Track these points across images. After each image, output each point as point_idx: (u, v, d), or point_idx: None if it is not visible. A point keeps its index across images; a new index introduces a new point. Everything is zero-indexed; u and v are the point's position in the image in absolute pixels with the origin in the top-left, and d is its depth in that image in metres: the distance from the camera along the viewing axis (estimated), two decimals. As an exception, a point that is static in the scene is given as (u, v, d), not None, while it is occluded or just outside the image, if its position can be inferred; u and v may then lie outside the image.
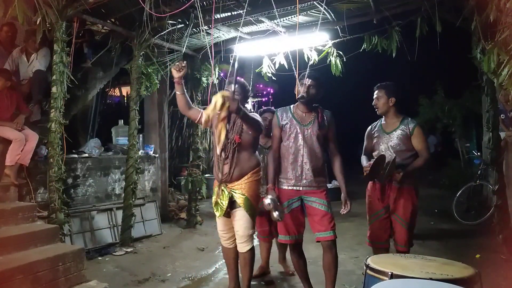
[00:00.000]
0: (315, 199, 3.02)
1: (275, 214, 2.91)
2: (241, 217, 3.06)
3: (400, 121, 3.27)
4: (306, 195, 3.05)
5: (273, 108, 4.17)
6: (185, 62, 2.96)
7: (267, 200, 2.90)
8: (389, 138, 3.26)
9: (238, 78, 3.00)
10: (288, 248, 3.45)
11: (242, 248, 3.14)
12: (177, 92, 3.06)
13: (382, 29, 4.74)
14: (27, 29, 4.75)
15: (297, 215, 3.08)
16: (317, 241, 3.07)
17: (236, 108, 2.62)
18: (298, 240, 3.10)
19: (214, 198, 3.16)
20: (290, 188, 3.06)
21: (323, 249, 3.05)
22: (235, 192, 3.05)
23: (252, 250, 3.16)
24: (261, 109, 4.15)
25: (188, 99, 3.13)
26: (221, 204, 3.09)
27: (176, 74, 2.94)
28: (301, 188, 3.04)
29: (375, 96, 3.35)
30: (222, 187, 3.08)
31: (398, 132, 3.24)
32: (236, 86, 2.99)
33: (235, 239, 3.22)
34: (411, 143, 3.22)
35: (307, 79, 3.02)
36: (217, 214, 3.17)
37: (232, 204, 3.09)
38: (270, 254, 4.03)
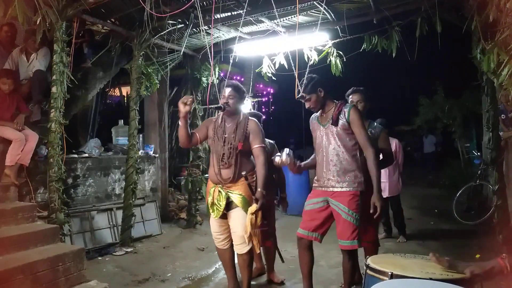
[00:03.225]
0: (338, 204, 2.89)
1: (284, 155, 3.03)
2: (239, 216, 3.06)
3: (368, 125, 3.47)
4: (331, 198, 2.93)
5: (258, 112, 4.06)
6: (192, 97, 3.03)
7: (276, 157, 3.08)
8: None
9: (231, 80, 3.17)
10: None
11: (241, 249, 3.12)
12: (181, 125, 3.07)
13: (382, 29, 4.75)
14: (27, 29, 4.74)
15: (317, 214, 2.98)
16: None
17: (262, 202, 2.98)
18: (309, 237, 3.00)
19: (210, 200, 3.18)
20: (318, 188, 3.03)
21: (342, 254, 2.98)
22: (232, 193, 3.08)
23: (250, 251, 3.14)
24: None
25: (189, 131, 3.15)
26: (218, 205, 3.12)
27: (182, 109, 2.93)
28: (328, 189, 2.95)
29: (355, 99, 3.48)
30: (219, 189, 3.11)
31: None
32: (230, 89, 3.12)
33: (230, 239, 3.22)
34: (377, 144, 3.41)
35: (303, 94, 3.00)
36: (213, 215, 3.18)
37: (228, 205, 3.11)
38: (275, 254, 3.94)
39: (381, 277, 1.89)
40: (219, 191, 3.11)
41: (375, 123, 3.57)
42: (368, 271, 2.02)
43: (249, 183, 3.04)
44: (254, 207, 2.97)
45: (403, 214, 5.44)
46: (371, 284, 1.76)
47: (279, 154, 3.15)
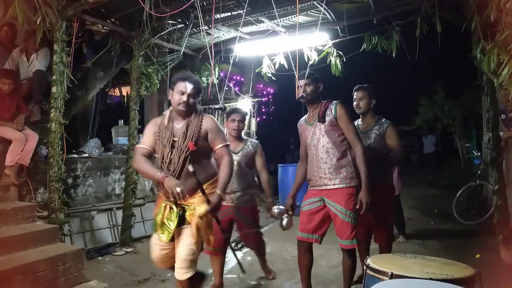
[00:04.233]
0: (333, 204, 2.87)
1: (284, 222, 3.18)
2: (187, 236, 2.49)
3: (376, 121, 3.44)
4: (327, 197, 2.92)
5: (241, 109, 3.78)
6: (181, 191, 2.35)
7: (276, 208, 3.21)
8: (364, 137, 3.38)
9: (187, 73, 2.70)
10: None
11: (181, 274, 2.52)
12: (152, 176, 2.50)
13: (382, 29, 4.75)
14: (27, 29, 4.74)
15: (314, 215, 2.96)
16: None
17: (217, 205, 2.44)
18: (309, 239, 2.99)
19: (159, 218, 2.53)
20: (312, 188, 3.02)
21: (342, 252, 2.97)
22: (186, 207, 2.51)
23: (192, 278, 2.56)
24: (228, 110, 3.78)
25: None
26: (168, 226, 2.49)
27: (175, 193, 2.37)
28: (321, 188, 2.94)
29: (357, 96, 3.48)
30: (170, 205, 2.50)
31: (374, 131, 3.40)
32: (192, 86, 2.54)
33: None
34: (385, 142, 3.36)
35: (300, 80, 3.03)
36: (163, 238, 2.52)
37: (180, 221, 2.50)
38: (223, 269, 3.57)
39: (381, 277, 1.89)
40: (171, 209, 2.50)
41: (383, 119, 3.49)
42: (368, 271, 2.02)
43: (207, 194, 2.44)
44: (203, 208, 2.42)
45: (403, 214, 5.44)
46: (371, 284, 1.76)
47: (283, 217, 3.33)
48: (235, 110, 3.63)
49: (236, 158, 3.38)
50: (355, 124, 3.39)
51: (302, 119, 3.19)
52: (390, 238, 3.48)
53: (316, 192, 2.97)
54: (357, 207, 2.79)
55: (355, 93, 3.52)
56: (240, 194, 3.44)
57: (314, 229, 2.96)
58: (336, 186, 2.88)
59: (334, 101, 2.98)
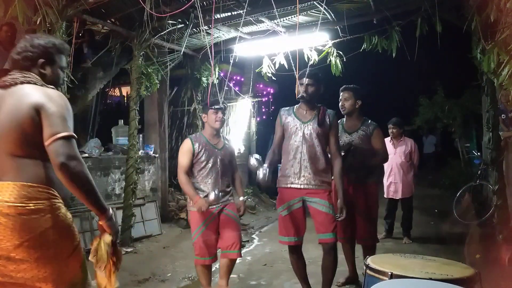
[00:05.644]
0: (317, 200, 2.97)
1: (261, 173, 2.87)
2: None
3: (361, 122, 3.51)
4: (307, 196, 3.00)
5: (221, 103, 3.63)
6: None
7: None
8: (350, 138, 3.48)
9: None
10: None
11: None
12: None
13: (382, 29, 4.75)
14: (27, 29, 4.74)
15: (297, 217, 3.03)
16: (319, 243, 3.04)
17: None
18: (297, 242, 3.07)
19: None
20: (289, 186, 3.03)
21: (323, 250, 3.02)
22: None
23: None
24: (204, 103, 3.56)
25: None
26: None
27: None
28: (300, 186, 2.99)
29: (342, 97, 3.53)
30: None
31: (359, 132, 3.48)
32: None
33: None
34: (371, 143, 3.46)
35: (305, 78, 3.04)
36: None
37: None
38: (211, 280, 3.42)
39: (381, 277, 1.89)
40: None
41: (369, 121, 3.54)
42: (368, 271, 2.03)
43: None
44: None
45: (412, 216, 5.42)
46: (371, 284, 1.76)
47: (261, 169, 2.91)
48: (214, 102, 3.42)
49: (219, 155, 3.28)
50: (339, 123, 3.42)
51: (289, 111, 3.15)
52: (372, 238, 3.52)
53: (296, 192, 3.02)
54: (337, 214, 2.94)
55: (342, 93, 3.55)
56: (224, 193, 3.34)
57: (299, 231, 3.06)
58: (316, 187, 2.99)
59: (330, 110, 3.09)
